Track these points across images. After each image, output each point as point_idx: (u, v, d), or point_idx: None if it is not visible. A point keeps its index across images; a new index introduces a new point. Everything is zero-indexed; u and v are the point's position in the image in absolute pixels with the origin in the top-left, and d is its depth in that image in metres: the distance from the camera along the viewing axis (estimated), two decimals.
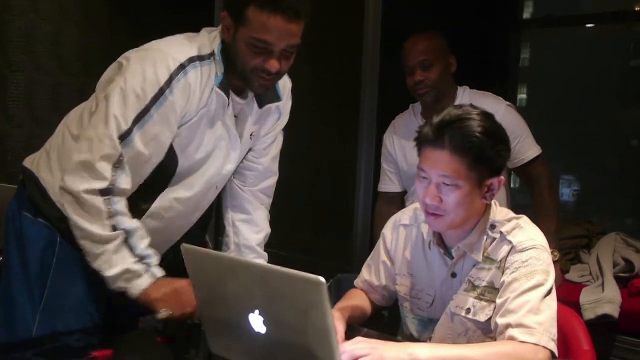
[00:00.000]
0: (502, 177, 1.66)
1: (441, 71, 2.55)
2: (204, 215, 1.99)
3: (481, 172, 1.61)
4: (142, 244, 1.69)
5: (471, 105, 1.66)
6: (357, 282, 1.97)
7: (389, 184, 2.81)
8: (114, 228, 1.65)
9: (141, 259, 1.67)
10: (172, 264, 1.74)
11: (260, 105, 1.92)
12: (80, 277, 1.77)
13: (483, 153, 1.59)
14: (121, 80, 1.68)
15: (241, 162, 2.01)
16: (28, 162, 1.90)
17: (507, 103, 2.61)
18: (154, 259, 1.69)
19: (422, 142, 1.64)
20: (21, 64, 3.20)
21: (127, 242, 1.66)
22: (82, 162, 1.65)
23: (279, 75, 1.78)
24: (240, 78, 1.79)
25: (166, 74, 1.68)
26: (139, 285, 1.65)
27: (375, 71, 3.14)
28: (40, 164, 1.85)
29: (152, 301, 1.64)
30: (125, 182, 1.68)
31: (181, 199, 1.86)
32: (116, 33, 3.34)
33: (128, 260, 1.65)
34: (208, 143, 1.84)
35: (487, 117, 1.63)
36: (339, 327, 1.65)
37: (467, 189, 1.60)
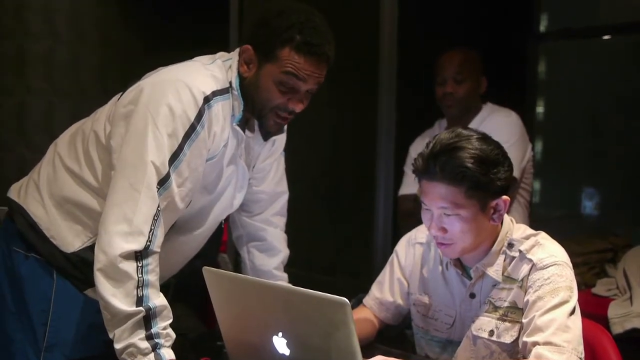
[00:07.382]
0: (507, 197, 1.62)
1: (470, 89, 2.62)
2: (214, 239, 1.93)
3: (482, 196, 1.58)
4: (162, 323, 1.55)
5: (464, 128, 1.63)
6: (367, 300, 1.93)
7: (412, 186, 2.79)
8: (140, 301, 1.53)
9: (152, 337, 1.52)
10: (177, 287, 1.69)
11: (265, 138, 1.86)
12: (82, 311, 1.71)
13: (478, 181, 1.55)
14: (148, 119, 1.58)
15: None
16: (14, 194, 1.80)
17: (516, 115, 2.66)
18: (166, 340, 1.54)
19: (417, 174, 1.62)
20: (40, 90, 3.21)
21: (146, 320, 1.53)
22: (119, 217, 1.54)
23: (295, 115, 1.76)
24: (255, 114, 1.76)
25: (195, 108, 1.61)
26: None
27: (392, 87, 3.13)
28: (28, 196, 1.76)
29: None
30: (160, 235, 1.59)
31: (186, 237, 1.78)
32: (134, 55, 3.35)
33: (138, 336, 1.51)
34: (223, 180, 1.79)
35: (480, 140, 1.59)
36: None
37: (470, 216, 1.57)
